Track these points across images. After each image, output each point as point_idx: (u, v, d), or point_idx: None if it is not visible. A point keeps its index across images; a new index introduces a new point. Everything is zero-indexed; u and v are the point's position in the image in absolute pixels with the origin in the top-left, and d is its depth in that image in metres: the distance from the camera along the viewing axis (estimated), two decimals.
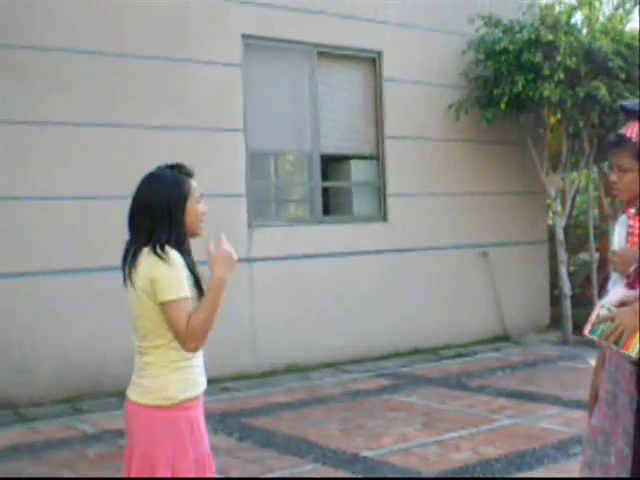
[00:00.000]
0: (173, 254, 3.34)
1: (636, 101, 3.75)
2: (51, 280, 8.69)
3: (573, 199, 13.51)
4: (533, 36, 10.94)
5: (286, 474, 6.05)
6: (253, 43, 10.19)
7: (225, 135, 9.89)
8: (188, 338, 3.33)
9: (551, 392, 8.48)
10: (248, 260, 9.94)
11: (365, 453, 6.48)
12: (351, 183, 11.27)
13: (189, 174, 3.55)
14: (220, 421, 7.64)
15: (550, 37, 10.78)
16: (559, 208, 12.21)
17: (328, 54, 10.84)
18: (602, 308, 3.43)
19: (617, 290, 3.67)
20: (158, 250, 3.34)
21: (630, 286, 3.62)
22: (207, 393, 9.04)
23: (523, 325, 12.42)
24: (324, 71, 10.82)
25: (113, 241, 8.96)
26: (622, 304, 3.49)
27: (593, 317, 3.45)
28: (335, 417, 7.71)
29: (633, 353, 3.36)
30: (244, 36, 10.07)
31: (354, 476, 5.98)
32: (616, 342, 3.37)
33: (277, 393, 8.90)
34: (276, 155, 11.03)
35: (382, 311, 11.02)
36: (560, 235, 12.04)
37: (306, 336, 10.33)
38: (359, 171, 11.26)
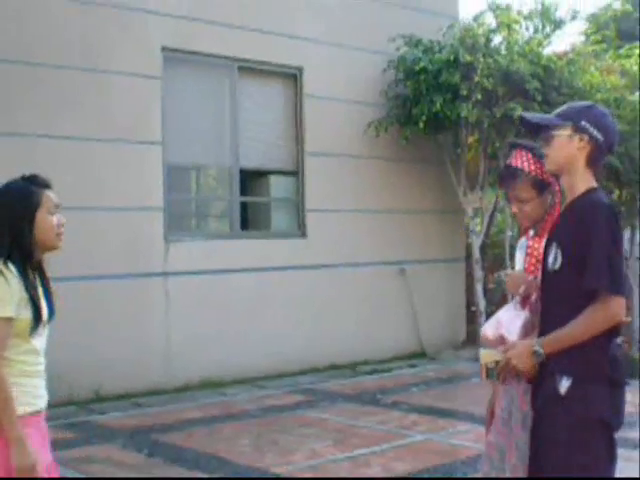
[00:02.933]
0: (6, 272, 3.26)
1: (536, 114, 3.81)
2: None
3: (490, 218, 13.70)
4: (452, 57, 11.07)
5: None
6: (173, 56, 10.13)
7: (143, 148, 9.78)
8: None
9: (464, 408, 8.54)
10: (164, 274, 9.85)
11: (275, 469, 6.45)
12: (270, 198, 11.25)
13: (44, 185, 3.45)
14: (130, 437, 7.53)
15: (469, 58, 10.92)
16: (476, 227, 12.37)
17: (249, 69, 10.83)
18: (489, 363, 3.52)
19: (508, 308, 3.74)
20: None
21: (521, 306, 3.69)
22: (120, 408, 8.88)
23: (439, 342, 12.52)
24: (245, 86, 10.81)
25: None
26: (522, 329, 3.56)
27: (482, 363, 3.52)
28: (247, 433, 7.65)
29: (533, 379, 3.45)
30: (164, 49, 9.99)
31: None
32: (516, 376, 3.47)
33: (190, 409, 8.80)
34: (195, 169, 10.95)
35: (300, 327, 11.00)
36: (477, 253, 12.19)
37: (222, 351, 10.25)
38: (278, 186, 11.26)
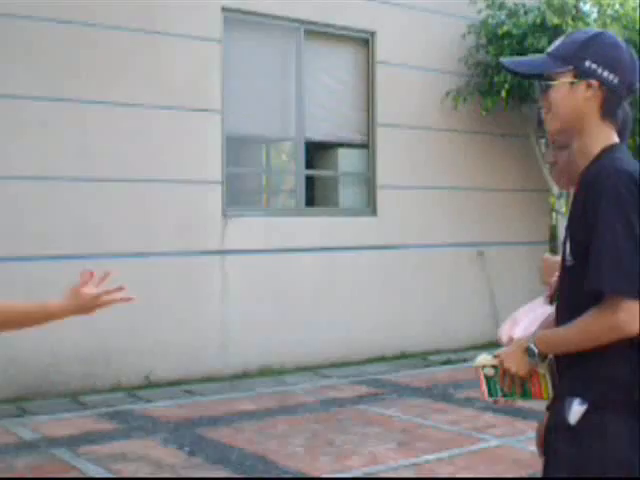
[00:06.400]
0: None
1: (521, 59, 2.79)
2: None
3: None
4: (538, 20, 10.17)
5: None
6: (234, 17, 9.39)
7: (200, 116, 9.09)
8: None
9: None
10: (221, 252, 9.17)
11: (328, 476, 5.68)
12: (338, 173, 10.46)
13: None
14: (173, 431, 6.86)
15: (556, 21, 10.02)
16: (562, 207, 11.42)
17: (316, 33, 10.03)
18: (484, 368, 2.63)
19: (533, 303, 2.87)
20: None
21: (549, 300, 2.82)
22: (170, 396, 8.27)
23: None
24: (312, 51, 10.01)
25: (68, 226, 8.27)
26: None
27: (477, 368, 2.65)
28: (302, 430, 6.90)
29: (547, 398, 2.58)
30: (225, 9, 9.26)
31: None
32: (522, 393, 2.59)
33: (244, 399, 8.10)
34: (257, 140, 10.19)
35: (368, 311, 10.21)
36: (563, 236, 11.24)
37: (283, 336, 9.52)
38: (347, 160, 10.45)
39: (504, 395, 2.61)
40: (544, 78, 2.58)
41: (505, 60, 2.71)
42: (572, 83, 2.51)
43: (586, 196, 2.41)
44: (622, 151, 2.52)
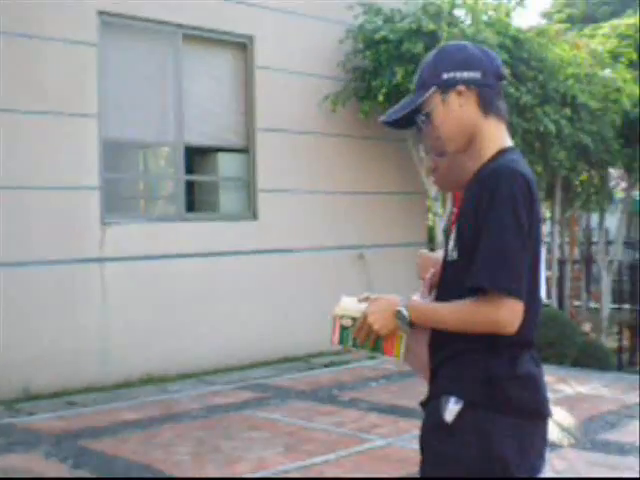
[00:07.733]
0: None
1: (395, 108, 2.83)
2: None
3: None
4: (414, 26, 10.30)
5: None
6: (111, 21, 9.23)
7: (76, 121, 8.89)
8: None
9: None
10: (100, 260, 8.99)
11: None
12: (218, 178, 10.40)
13: None
14: (56, 444, 6.67)
15: (432, 27, 10.17)
16: (439, 209, 11.64)
17: (194, 37, 9.95)
18: (342, 318, 2.66)
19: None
20: None
21: (425, 295, 2.88)
22: (51, 408, 8.08)
23: None
24: (190, 55, 9.92)
25: None
26: None
27: (335, 315, 2.68)
28: (187, 438, 6.82)
29: (399, 357, 2.59)
30: (100, 13, 9.10)
31: None
32: (373, 347, 2.59)
33: (127, 409, 7.95)
34: (135, 145, 10.04)
35: (250, 316, 10.19)
36: (440, 237, 11.46)
37: (165, 344, 9.42)
38: (227, 165, 10.41)
39: (354, 345, 2.62)
40: (419, 111, 2.62)
41: (383, 118, 2.76)
42: (443, 100, 2.57)
43: (479, 194, 2.44)
44: (517, 154, 2.57)
